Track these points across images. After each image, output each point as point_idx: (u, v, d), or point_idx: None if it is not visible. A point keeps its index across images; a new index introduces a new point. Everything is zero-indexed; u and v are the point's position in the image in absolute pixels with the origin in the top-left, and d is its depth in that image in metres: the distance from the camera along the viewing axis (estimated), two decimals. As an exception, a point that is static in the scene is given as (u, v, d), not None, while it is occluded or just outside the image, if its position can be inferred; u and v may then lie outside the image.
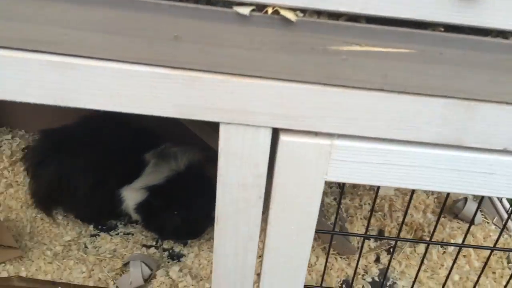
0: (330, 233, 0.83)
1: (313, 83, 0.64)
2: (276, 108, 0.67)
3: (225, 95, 0.66)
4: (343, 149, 0.72)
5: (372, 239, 1.58)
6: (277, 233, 0.81)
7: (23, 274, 1.33)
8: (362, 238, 1.42)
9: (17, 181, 1.70)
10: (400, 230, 0.94)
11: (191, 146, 1.51)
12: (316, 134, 0.72)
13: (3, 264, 1.37)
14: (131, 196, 1.48)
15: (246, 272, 0.88)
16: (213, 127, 1.37)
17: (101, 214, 1.56)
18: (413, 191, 0.84)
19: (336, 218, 0.90)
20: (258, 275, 0.94)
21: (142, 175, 1.47)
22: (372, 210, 0.90)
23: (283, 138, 0.71)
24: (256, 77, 0.65)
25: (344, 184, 0.86)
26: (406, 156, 0.71)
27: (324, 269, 0.92)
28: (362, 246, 0.96)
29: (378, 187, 0.87)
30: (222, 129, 0.71)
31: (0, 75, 0.66)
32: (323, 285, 1.10)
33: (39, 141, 1.60)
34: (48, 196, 1.54)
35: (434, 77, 0.62)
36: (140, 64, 0.64)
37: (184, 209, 1.43)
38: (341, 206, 1.66)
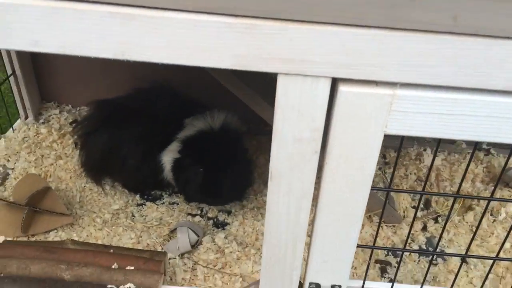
0: (387, 190, 0.81)
1: (377, 28, 0.62)
2: (336, 56, 0.65)
3: (284, 43, 0.65)
4: (405, 99, 0.69)
5: (418, 208, 1.55)
6: (332, 190, 0.80)
7: (75, 239, 1.37)
8: (407, 207, 1.39)
9: (65, 153, 1.75)
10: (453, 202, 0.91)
11: (232, 112, 1.49)
12: (377, 83, 0.70)
13: (56, 230, 1.42)
14: (168, 158, 1.47)
15: (298, 232, 0.88)
16: (259, 91, 1.36)
17: (148, 184, 1.59)
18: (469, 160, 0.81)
19: (391, 178, 0.87)
20: (309, 236, 0.93)
21: (178, 136, 1.46)
22: (424, 178, 0.87)
23: (342, 88, 0.69)
24: (316, 23, 0.63)
25: (399, 151, 0.84)
26: (473, 105, 0.68)
27: (378, 228, 0.91)
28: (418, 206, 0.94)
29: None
30: (279, 81, 0.70)
31: (59, 28, 0.66)
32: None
33: (91, 112, 1.63)
34: (98, 166, 1.57)
35: (509, 17, 0.58)
36: (203, 13, 0.63)
37: (211, 168, 1.40)
38: (386, 175, 1.63)
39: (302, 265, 1.07)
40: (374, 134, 0.72)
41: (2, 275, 1.07)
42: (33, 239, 1.39)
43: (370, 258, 0.93)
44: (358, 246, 0.89)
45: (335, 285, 0.94)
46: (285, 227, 0.86)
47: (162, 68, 1.61)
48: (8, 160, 1.69)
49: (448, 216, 0.86)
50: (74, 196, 1.57)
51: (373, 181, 1.61)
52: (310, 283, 0.95)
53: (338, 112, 0.71)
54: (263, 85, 1.38)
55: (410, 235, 1.45)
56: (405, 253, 1.39)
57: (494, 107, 0.67)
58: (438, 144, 0.79)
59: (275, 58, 0.67)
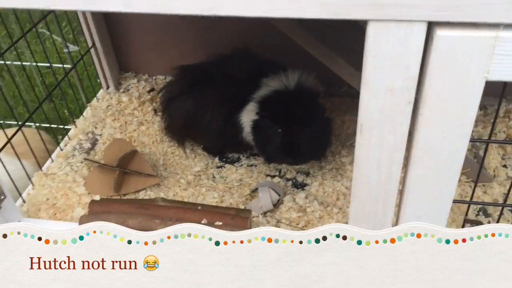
0: (487, 142, 0.76)
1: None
2: (434, -4, 0.62)
3: (378, -14, 0.62)
4: (509, 41, 0.64)
5: (509, 167, 1.46)
6: (427, 142, 0.77)
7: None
8: (498, 166, 1.31)
9: (146, 120, 1.82)
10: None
11: (308, 71, 1.46)
12: (477, 26, 0.65)
13: (145, 190, 1.50)
14: (247, 119, 1.48)
15: (390, 187, 0.86)
16: (337, 51, 1.32)
17: (228, 146, 1.62)
18: None
19: (491, 130, 0.82)
20: (400, 192, 0.91)
21: (254, 96, 1.46)
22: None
23: (439, 33, 0.65)
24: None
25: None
26: None
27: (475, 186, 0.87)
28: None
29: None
30: (370, 29, 0.67)
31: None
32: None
33: (175, 78, 1.67)
34: (182, 130, 1.62)
35: None
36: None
37: (289, 128, 1.38)
38: (473, 133, 1.54)
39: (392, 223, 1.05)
40: (475, 80, 0.68)
41: (102, 230, 1.16)
42: (124, 198, 1.49)
43: (466, 214, 0.90)
44: (454, 201, 0.86)
45: (427, 242, 0.92)
46: (375, 182, 0.85)
47: (236, 35, 1.63)
48: (96, 127, 1.80)
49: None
50: (158, 159, 1.65)
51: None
52: (400, 240, 0.94)
53: (435, 59, 0.68)
54: (339, 43, 1.34)
55: (502, 195, 1.37)
56: (496, 213, 1.32)
57: None
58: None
59: (366, 4, 0.65)
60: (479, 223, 1.28)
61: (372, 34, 0.68)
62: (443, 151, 0.76)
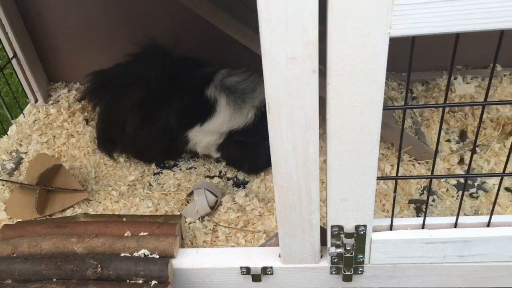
0: (403, 108, 0.69)
1: None
2: None
3: None
4: (408, -12, 0.57)
5: (453, 141, 1.42)
6: (339, 114, 0.69)
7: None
8: (441, 141, 1.26)
9: (77, 131, 1.70)
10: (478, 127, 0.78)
11: (256, 73, 1.38)
12: (372, -26, 0.58)
13: (72, 208, 1.38)
14: (205, 137, 1.40)
15: (309, 170, 0.78)
16: (254, 28, 1.25)
17: (156, 153, 1.51)
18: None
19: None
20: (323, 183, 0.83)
21: (215, 117, 1.35)
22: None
23: (332, -14, 0.58)
24: None
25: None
26: (493, -21, 0.55)
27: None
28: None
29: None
30: (256, -12, 0.59)
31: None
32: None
33: (89, 83, 1.56)
34: (103, 137, 1.52)
35: None
36: None
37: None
38: (414, 110, 1.50)
39: (322, 206, 0.97)
40: (377, 38, 0.61)
41: (14, 255, 1.04)
42: (46, 218, 1.36)
43: (395, 191, 0.83)
44: (378, 178, 0.79)
45: (360, 226, 0.85)
46: (294, 165, 0.77)
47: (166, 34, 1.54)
48: (21, 145, 1.66)
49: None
50: (89, 173, 1.53)
51: (400, 118, 1.48)
52: (332, 227, 0.86)
53: (333, 17, 0.60)
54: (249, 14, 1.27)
55: (446, 170, 1.32)
56: (441, 190, 1.27)
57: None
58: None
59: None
60: (422, 202, 1.23)
61: (261, -5, 0.60)
62: (357, 123, 0.69)
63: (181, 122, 1.39)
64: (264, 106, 1.29)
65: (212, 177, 1.46)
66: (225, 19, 1.21)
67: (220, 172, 1.49)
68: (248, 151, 1.37)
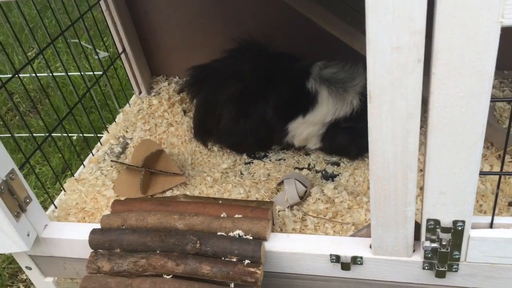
0: (510, 100, 0.68)
1: None
2: None
3: None
4: (526, -25, 0.56)
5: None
6: (444, 105, 0.69)
7: (189, 197, 1.43)
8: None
9: (176, 121, 1.82)
10: None
11: (356, 64, 1.41)
12: (487, -37, 0.58)
13: (171, 190, 1.49)
14: (307, 129, 1.45)
15: (408, 161, 0.78)
16: (359, 28, 1.26)
17: (251, 144, 1.58)
18: None
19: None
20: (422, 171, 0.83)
21: (317, 108, 1.40)
22: None
23: (443, -25, 0.59)
24: None
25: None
26: None
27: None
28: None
29: None
30: (367, -21, 0.62)
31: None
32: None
33: (189, 77, 1.66)
34: (201, 127, 1.61)
35: None
36: None
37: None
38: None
39: (417, 201, 0.96)
40: (489, 27, 0.61)
41: (123, 226, 1.15)
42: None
43: (498, 187, 0.80)
44: (481, 173, 0.77)
45: (458, 221, 0.83)
46: (392, 155, 0.78)
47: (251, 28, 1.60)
48: (127, 131, 1.82)
49: None
50: (186, 159, 1.63)
51: (501, 117, 1.41)
52: (428, 220, 0.86)
53: (442, 6, 0.61)
54: (360, 20, 1.27)
55: (552, 174, 1.24)
56: (546, 194, 1.20)
57: None
58: None
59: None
60: (525, 205, 1.16)
61: (370, -14, 0.62)
62: (462, 114, 0.69)
63: (280, 115, 1.45)
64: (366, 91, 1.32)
65: (301, 169, 1.50)
66: (323, 14, 1.24)
67: (309, 164, 1.52)
68: (357, 136, 1.39)
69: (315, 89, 1.39)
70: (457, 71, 0.65)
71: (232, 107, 1.48)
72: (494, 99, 0.69)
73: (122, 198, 1.46)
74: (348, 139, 1.42)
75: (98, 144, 1.79)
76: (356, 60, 1.37)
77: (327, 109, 1.38)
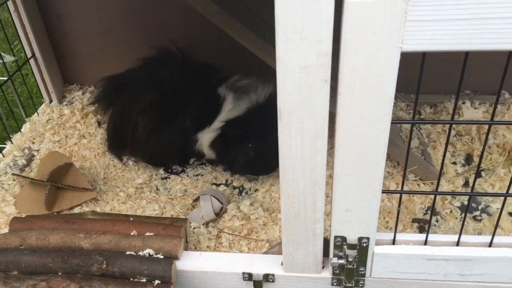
0: (411, 122, 0.71)
1: None
2: (336, -44, 0.57)
3: None
4: (421, 5, 0.60)
5: (458, 164, 1.43)
6: (348, 125, 0.72)
7: (99, 214, 1.35)
8: (444, 162, 1.27)
9: (89, 133, 1.73)
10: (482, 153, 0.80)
11: (269, 79, 1.41)
12: (387, -10, 0.60)
13: (80, 206, 1.40)
14: (207, 135, 1.43)
15: (316, 178, 0.80)
16: (268, 41, 1.28)
17: (164, 155, 1.53)
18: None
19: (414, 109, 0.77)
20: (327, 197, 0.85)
21: (221, 112, 1.40)
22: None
23: (348, -1, 0.61)
24: None
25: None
26: (503, 5, 0.57)
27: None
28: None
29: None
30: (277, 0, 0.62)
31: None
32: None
33: (101, 88, 1.59)
34: (116, 139, 1.54)
35: None
36: None
37: (258, 142, 1.37)
38: (421, 131, 1.52)
39: (325, 220, 0.98)
40: (389, 51, 0.64)
41: (22, 246, 1.06)
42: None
43: (399, 206, 0.84)
44: (383, 191, 0.80)
45: (363, 238, 0.86)
46: (301, 173, 0.79)
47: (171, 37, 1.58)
48: (33, 142, 1.70)
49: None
50: (98, 173, 1.55)
51: (407, 138, 1.49)
52: (336, 237, 0.88)
53: (347, 29, 0.63)
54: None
55: (451, 192, 1.33)
56: (445, 211, 1.28)
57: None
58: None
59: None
60: (426, 221, 1.24)
61: (279, 5, 0.62)
62: (365, 134, 0.71)
63: (195, 123, 1.43)
64: (263, 104, 1.33)
65: (218, 185, 1.48)
66: (241, 30, 1.24)
67: (227, 180, 1.51)
68: (229, 146, 1.39)
69: (224, 95, 1.40)
70: (360, 93, 0.67)
71: (149, 115, 1.43)
72: (395, 121, 0.72)
73: (24, 215, 1.35)
74: (222, 145, 1.42)
75: (0, 155, 1.65)
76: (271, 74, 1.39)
77: (225, 113, 1.38)
